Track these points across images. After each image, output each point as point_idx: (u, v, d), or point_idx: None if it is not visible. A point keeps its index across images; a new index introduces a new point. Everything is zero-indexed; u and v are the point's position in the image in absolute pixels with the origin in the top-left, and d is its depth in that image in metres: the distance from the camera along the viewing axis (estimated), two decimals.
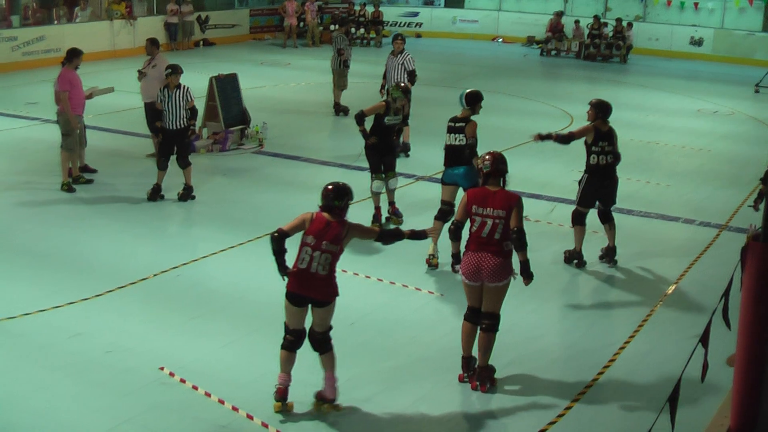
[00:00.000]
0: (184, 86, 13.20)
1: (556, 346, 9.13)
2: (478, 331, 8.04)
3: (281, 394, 7.52)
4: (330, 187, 7.58)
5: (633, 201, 13.99)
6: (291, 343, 7.52)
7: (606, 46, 31.31)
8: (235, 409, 7.62)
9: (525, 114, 20.74)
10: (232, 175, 14.93)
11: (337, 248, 7.38)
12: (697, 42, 32.59)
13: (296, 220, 7.50)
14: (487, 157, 8.05)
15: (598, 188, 10.84)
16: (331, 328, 7.57)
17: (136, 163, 15.46)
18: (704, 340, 6.52)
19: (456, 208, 10.75)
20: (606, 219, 11.09)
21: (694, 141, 18.66)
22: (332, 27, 32.39)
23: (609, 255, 11.15)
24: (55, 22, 28.12)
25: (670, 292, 10.52)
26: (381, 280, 10.52)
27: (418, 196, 13.75)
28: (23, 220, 12.38)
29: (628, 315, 9.87)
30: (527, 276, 7.96)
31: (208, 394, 7.85)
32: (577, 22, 32.35)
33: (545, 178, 14.99)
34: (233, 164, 15.66)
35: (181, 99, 13.12)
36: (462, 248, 8.14)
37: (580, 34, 32.11)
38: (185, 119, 13.21)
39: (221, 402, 7.73)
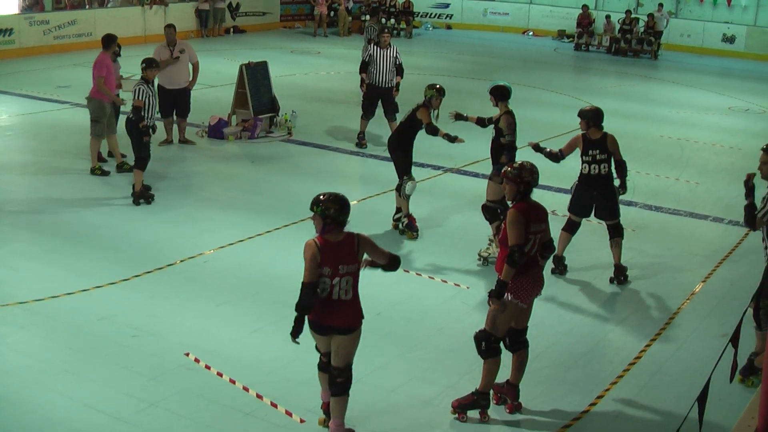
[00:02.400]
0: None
1: (584, 341, 9.07)
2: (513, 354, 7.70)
3: (326, 409, 7.27)
4: (330, 198, 6.74)
5: (662, 198, 13.94)
6: (326, 364, 7.08)
7: (637, 42, 31.12)
8: (259, 396, 7.63)
9: (556, 107, 20.62)
10: (261, 163, 14.95)
11: (355, 267, 6.71)
12: (730, 39, 32.34)
13: (309, 263, 6.59)
14: (526, 168, 7.39)
15: (589, 198, 10.43)
16: (351, 363, 6.96)
17: (165, 149, 15.49)
18: (734, 339, 6.44)
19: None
20: (610, 234, 10.54)
21: (726, 139, 18.53)
22: (363, 17, 32.39)
23: (616, 274, 10.57)
24: (87, 6, 28.24)
25: (698, 290, 10.46)
26: (407, 271, 10.49)
27: (447, 188, 13.71)
28: (55, 203, 12.45)
29: (655, 312, 9.82)
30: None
31: (232, 381, 7.86)
32: (608, 16, 32.18)
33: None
34: (262, 152, 15.68)
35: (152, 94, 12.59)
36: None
37: (611, 28, 31.93)
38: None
39: (246, 389, 7.74)
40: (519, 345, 7.60)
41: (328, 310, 6.71)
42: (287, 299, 9.40)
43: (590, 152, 10.22)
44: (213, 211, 12.49)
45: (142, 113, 12.20)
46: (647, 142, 17.84)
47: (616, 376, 8.31)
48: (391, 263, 6.93)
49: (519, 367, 7.65)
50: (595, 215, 10.59)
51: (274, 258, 10.78)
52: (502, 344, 7.47)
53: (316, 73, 24.45)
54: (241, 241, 11.32)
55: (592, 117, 10.24)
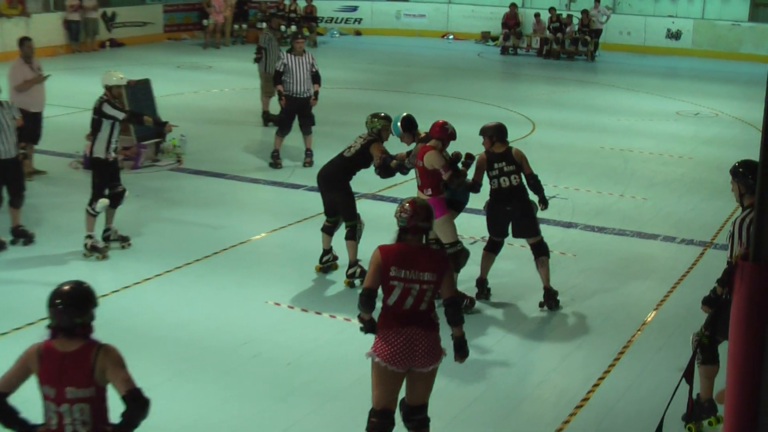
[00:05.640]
0: (6, 102, 12.59)
1: (523, 384, 9.16)
2: None
3: None
4: (60, 292, 5.84)
5: (606, 217, 14.18)
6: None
7: (571, 42, 31.65)
8: None
9: (482, 119, 20.39)
10: (147, 196, 14.83)
11: (91, 392, 5.72)
12: (675, 35, 33.09)
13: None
14: (406, 206, 7.19)
15: (503, 214, 10.70)
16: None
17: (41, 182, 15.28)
18: (688, 374, 6.53)
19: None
20: (534, 253, 10.76)
21: (674, 147, 18.96)
22: (258, 25, 32.41)
23: (546, 299, 10.77)
24: None
25: (649, 319, 10.64)
26: (319, 314, 10.52)
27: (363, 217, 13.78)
28: None
29: (603, 346, 9.93)
30: (464, 354, 7.38)
31: None
32: (537, 15, 32.65)
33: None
34: (147, 183, 15.57)
35: (9, 119, 12.25)
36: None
37: (542, 28, 32.45)
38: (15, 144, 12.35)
39: None
40: (416, 423, 7.29)
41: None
42: (185, 352, 9.44)
43: (496, 165, 10.61)
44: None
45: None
46: (586, 154, 18.16)
47: (561, 422, 8.37)
48: (130, 415, 5.71)
49: None
50: (513, 235, 10.86)
51: (164, 307, 10.71)
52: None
53: (208, 90, 24.42)
54: (126, 287, 11.21)
55: (494, 133, 10.69)
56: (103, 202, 12.05)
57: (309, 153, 16.79)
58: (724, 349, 6.78)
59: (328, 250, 11.71)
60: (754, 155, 7.20)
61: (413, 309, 7.01)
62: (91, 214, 12.09)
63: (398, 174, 11.32)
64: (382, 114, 11.43)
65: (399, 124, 11.06)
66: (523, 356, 9.74)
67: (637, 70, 29.22)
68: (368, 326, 7.25)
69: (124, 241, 12.54)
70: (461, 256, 10.56)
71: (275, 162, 16.65)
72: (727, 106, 23.61)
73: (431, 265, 7.03)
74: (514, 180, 10.59)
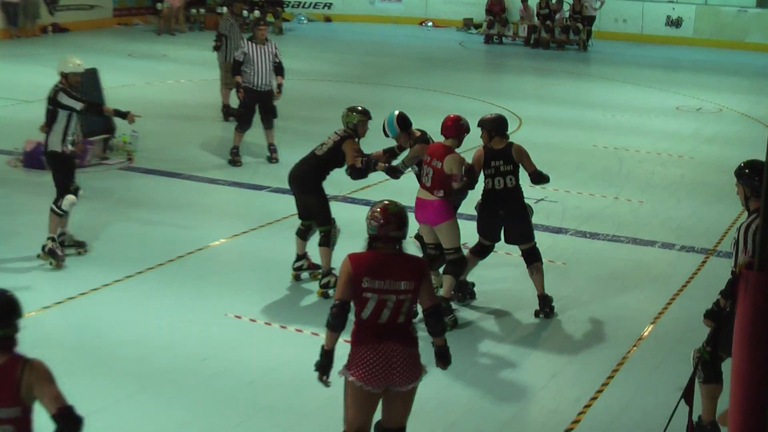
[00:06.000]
0: None
1: (508, 404, 9.14)
2: None
3: None
4: (384, 209, 6.98)
5: (599, 222, 14.22)
6: None
7: (561, 30, 31.72)
8: None
9: (464, 115, 20.77)
10: (95, 198, 14.70)
11: (16, 411, 5.63)
12: (675, 23, 33.17)
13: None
14: (377, 213, 7.10)
15: (495, 217, 10.81)
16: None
17: None
18: (688, 395, 6.55)
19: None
20: (526, 260, 10.92)
21: (674, 146, 19.06)
22: (219, 9, 32.36)
23: (541, 306, 10.95)
24: None
25: (646, 334, 10.65)
26: (285, 327, 10.51)
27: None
28: None
29: (595, 363, 9.93)
30: (447, 362, 7.35)
31: None
32: (524, 0, 32.69)
33: None
34: (95, 183, 15.45)
35: None
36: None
37: (529, 15, 32.51)
38: None
39: None
40: None
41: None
42: (135, 371, 9.40)
43: (492, 163, 10.63)
44: (33, 262, 12.25)
45: None
46: (578, 154, 18.22)
47: None
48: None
49: None
50: (505, 240, 10.95)
51: (113, 320, 10.65)
52: None
53: (162, 81, 24.42)
54: (71, 298, 11.17)
55: (493, 126, 10.73)
56: (69, 199, 12.01)
57: (273, 148, 16.87)
58: (727, 366, 6.76)
59: (301, 256, 11.70)
60: (761, 155, 7.25)
61: (390, 322, 6.94)
62: (56, 213, 12.05)
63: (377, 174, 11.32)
64: (360, 108, 11.34)
65: (395, 123, 11.09)
66: (509, 373, 9.73)
67: (634, 61, 29.29)
68: (325, 359, 7.09)
69: (80, 246, 12.52)
70: (463, 263, 10.65)
71: (234, 159, 16.73)
72: (731, 100, 23.70)
73: (408, 273, 6.96)
74: (509, 182, 10.63)
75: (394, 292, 6.92)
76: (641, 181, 16.57)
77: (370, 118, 11.28)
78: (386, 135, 11.32)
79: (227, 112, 20.01)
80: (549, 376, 9.69)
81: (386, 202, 7.16)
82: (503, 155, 10.61)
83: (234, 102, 19.05)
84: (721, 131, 20.58)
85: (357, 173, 11.10)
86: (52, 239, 12.09)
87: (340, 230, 11.45)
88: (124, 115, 12.52)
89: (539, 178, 10.83)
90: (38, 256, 12.06)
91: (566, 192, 15.36)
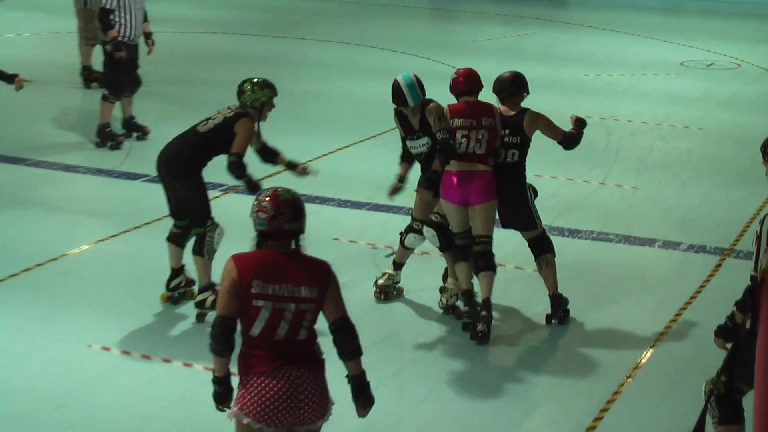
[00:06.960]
0: None
1: None
2: None
3: None
4: (274, 196, 6.94)
5: (579, 214, 14.22)
6: None
7: None
8: None
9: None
10: None
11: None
12: None
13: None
14: (265, 202, 7.09)
15: None
16: None
17: None
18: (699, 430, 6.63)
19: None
20: (533, 251, 11.21)
21: (677, 113, 19.17)
22: None
23: (554, 309, 11.11)
24: None
25: (644, 360, 10.53)
26: (169, 361, 10.27)
27: (233, 217, 13.43)
28: None
29: (579, 400, 9.79)
30: (366, 401, 7.24)
31: None
32: None
33: None
34: None
35: None
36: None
37: None
38: None
39: None
40: None
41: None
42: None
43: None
44: None
45: None
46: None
47: None
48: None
49: None
50: (501, 224, 11.24)
51: None
52: None
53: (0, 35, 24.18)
54: None
55: (503, 87, 11.01)
56: None
57: (135, 122, 16.69)
58: (748, 401, 6.88)
59: (178, 270, 11.44)
60: None
61: (289, 339, 6.90)
62: None
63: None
64: (267, 80, 11.12)
65: (417, 87, 10.96)
66: (486, 404, 9.67)
67: (625, 3, 29.44)
68: (220, 388, 7.05)
69: None
70: (486, 257, 10.91)
71: (112, 138, 16.45)
72: (751, 52, 24.12)
73: (309, 277, 6.95)
74: (510, 156, 10.90)
75: (292, 300, 6.90)
76: (635, 160, 16.56)
77: (277, 94, 11.17)
78: (404, 105, 11.09)
79: (89, 75, 19.69)
80: (532, 406, 9.76)
81: (277, 188, 7.13)
82: (512, 124, 10.89)
83: (97, 63, 18.59)
84: (738, 93, 20.77)
85: (238, 169, 10.89)
86: None
87: (224, 232, 11.18)
88: (11, 78, 12.05)
89: (573, 140, 11.17)
90: None
91: (537, 176, 14.90)
